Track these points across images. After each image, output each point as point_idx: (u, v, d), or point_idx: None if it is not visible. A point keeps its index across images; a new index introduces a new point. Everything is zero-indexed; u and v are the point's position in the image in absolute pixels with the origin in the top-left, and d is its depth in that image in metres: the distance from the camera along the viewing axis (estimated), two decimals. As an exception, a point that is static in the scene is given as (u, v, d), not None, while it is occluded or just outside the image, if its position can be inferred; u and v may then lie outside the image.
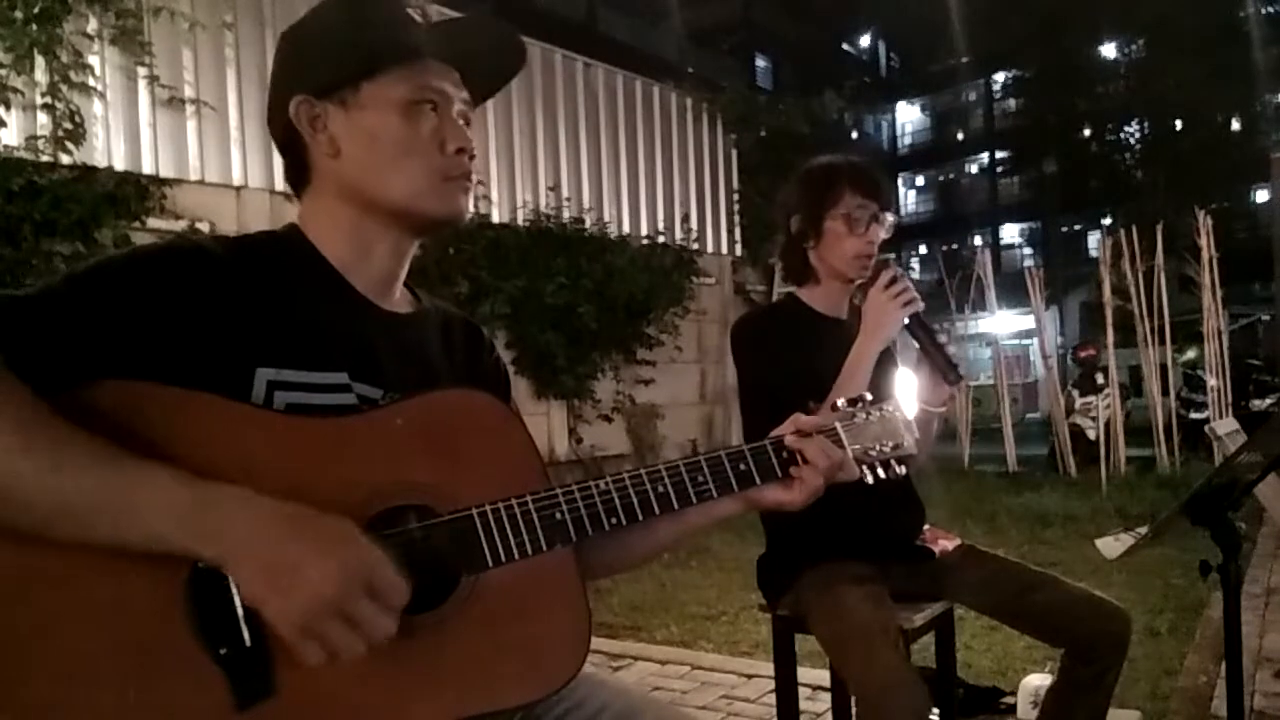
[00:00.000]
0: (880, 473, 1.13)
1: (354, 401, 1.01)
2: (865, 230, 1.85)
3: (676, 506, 1.04)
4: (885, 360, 1.84)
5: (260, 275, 1.00)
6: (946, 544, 1.96)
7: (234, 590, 0.85)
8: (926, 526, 2.01)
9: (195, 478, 0.84)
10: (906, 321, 1.75)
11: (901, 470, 1.14)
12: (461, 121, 1.07)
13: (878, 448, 1.13)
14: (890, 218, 1.90)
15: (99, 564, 0.83)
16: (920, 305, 1.76)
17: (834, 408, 1.15)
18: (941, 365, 1.74)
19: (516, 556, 0.95)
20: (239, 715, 0.84)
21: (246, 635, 0.85)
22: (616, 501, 1.01)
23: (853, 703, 2.01)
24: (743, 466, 1.07)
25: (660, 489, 1.03)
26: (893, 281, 1.75)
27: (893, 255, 1.92)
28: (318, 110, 1.04)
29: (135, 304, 0.91)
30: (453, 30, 1.07)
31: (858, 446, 1.12)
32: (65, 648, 0.81)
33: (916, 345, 1.77)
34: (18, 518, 0.80)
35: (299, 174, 1.09)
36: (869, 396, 1.16)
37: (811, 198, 1.90)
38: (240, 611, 0.85)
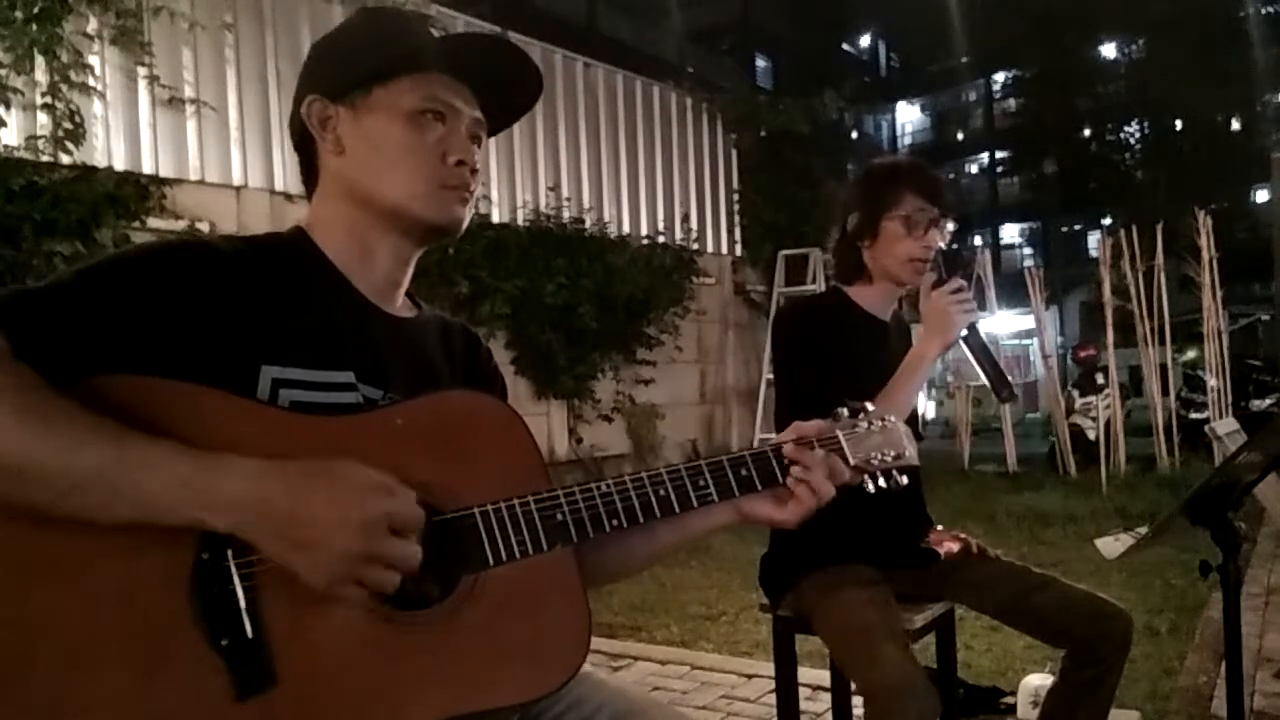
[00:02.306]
0: (881, 482, 1.13)
1: (359, 401, 1.02)
2: (924, 234, 1.84)
3: (677, 510, 1.04)
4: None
5: (267, 274, 1.01)
6: (952, 545, 1.96)
7: (236, 581, 0.85)
8: (934, 529, 2.01)
9: (201, 451, 0.85)
10: (965, 333, 1.74)
11: (904, 480, 1.14)
12: (469, 138, 1.09)
13: (879, 457, 1.12)
14: (950, 225, 1.88)
15: (104, 553, 0.83)
16: (978, 316, 1.77)
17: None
18: (994, 380, 1.74)
19: (517, 556, 0.96)
20: (240, 705, 0.85)
21: (249, 626, 0.85)
22: (618, 503, 1.01)
23: (855, 704, 2.02)
24: (744, 471, 1.07)
25: (661, 492, 1.03)
26: (959, 289, 1.76)
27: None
28: (329, 111, 1.07)
29: (142, 298, 0.92)
30: (469, 49, 1.09)
31: (859, 455, 1.12)
32: (69, 638, 0.82)
33: (970, 357, 1.77)
34: (36, 497, 0.81)
35: (309, 174, 1.12)
36: (871, 407, 1.16)
37: (872, 196, 1.90)
38: (242, 603, 0.86)
